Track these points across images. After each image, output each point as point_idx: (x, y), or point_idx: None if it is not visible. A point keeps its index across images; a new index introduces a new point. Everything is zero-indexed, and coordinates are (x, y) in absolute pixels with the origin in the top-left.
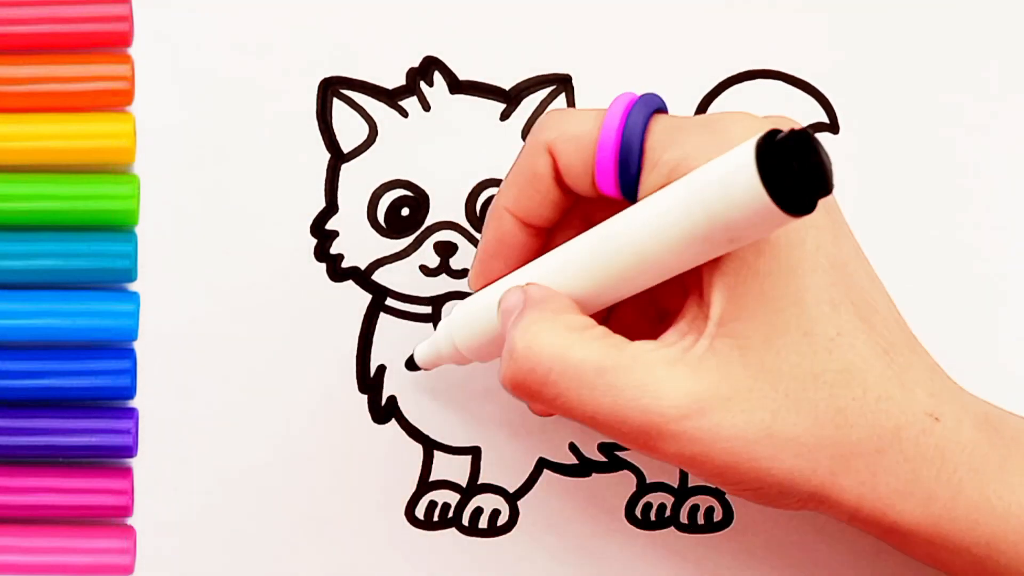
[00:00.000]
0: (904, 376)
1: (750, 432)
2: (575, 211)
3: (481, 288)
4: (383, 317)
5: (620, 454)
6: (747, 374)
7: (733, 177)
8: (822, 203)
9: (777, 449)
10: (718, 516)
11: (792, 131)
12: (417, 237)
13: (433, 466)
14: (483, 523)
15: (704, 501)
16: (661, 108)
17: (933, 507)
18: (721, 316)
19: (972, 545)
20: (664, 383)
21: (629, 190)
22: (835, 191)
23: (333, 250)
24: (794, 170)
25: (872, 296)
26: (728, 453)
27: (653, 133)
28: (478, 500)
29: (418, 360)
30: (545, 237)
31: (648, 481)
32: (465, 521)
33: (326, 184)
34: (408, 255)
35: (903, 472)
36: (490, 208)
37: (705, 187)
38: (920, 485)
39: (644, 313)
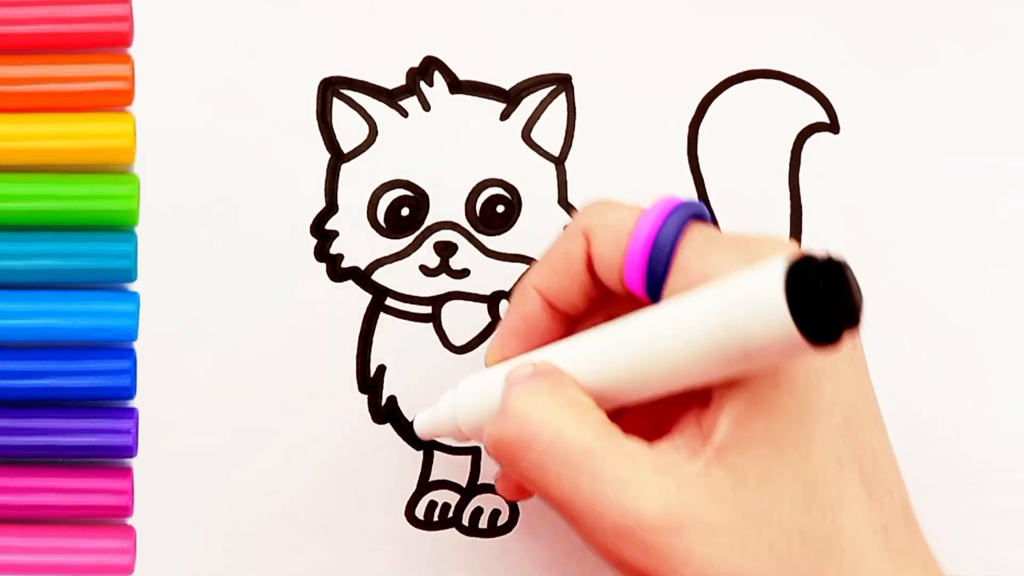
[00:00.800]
0: (898, 561)
1: (723, 570)
2: (600, 307)
3: (495, 364)
4: (383, 317)
5: None
6: (734, 513)
7: (759, 292)
8: (848, 350)
9: None
10: None
11: (828, 256)
12: (417, 237)
13: (433, 466)
14: (483, 523)
15: None
16: (701, 216)
17: None
18: (722, 443)
19: None
20: (648, 488)
21: (654, 291)
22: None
23: (333, 250)
24: (821, 292)
25: (881, 462)
26: None
27: (687, 240)
28: (478, 500)
29: (417, 431)
30: (567, 326)
31: None
32: (465, 521)
33: (326, 184)
34: (408, 255)
35: None
36: (519, 285)
37: (728, 296)
38: None
39: (645, 419)
